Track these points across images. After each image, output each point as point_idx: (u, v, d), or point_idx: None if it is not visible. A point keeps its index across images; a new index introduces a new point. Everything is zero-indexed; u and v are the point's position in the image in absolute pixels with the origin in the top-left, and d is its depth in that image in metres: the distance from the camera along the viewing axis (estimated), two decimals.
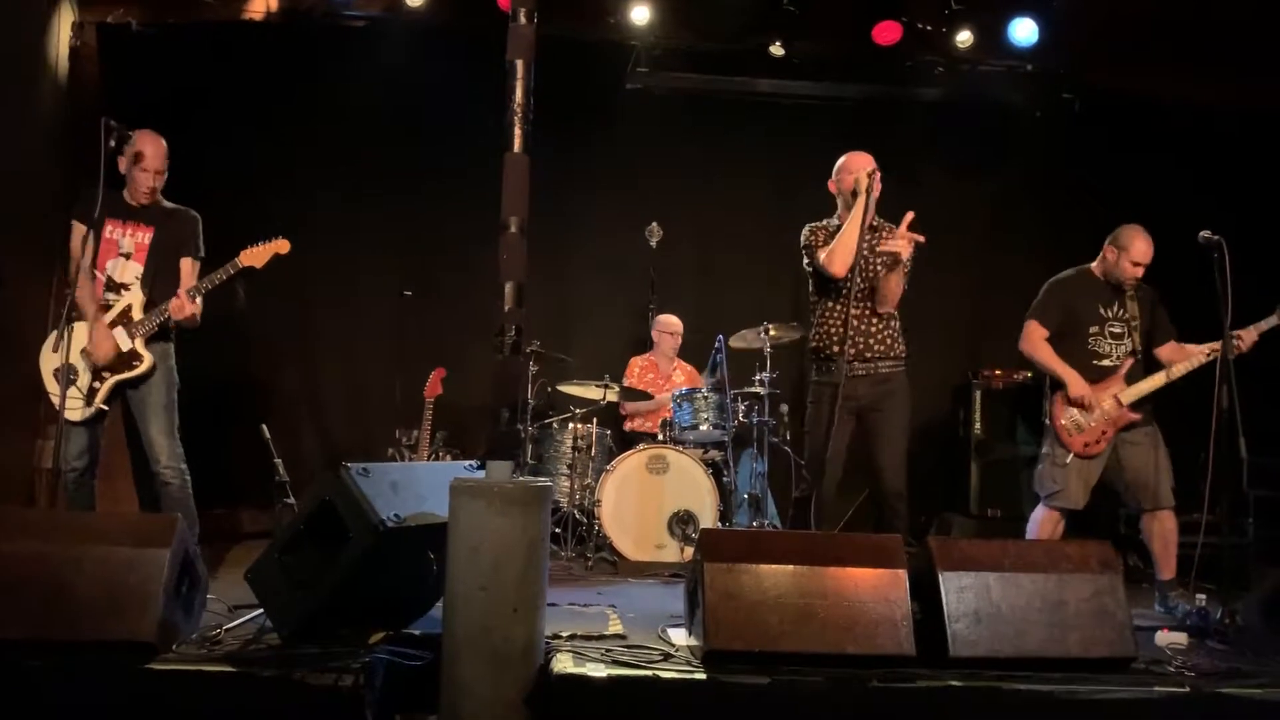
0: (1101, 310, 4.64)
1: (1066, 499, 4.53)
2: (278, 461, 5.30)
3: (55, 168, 5.88)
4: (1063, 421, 4.57)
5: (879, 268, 4.31)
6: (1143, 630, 3.47)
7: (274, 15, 6.38)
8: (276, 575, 3.21)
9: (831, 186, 4.48)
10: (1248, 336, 4.47)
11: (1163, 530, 4.51)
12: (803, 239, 4.47)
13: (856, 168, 4.30)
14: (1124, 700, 3.00)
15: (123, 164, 4.24)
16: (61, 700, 2.82)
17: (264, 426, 5.32)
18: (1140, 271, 4.58)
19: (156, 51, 6.24)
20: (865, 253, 4.22)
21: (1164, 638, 3.67)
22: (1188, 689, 3.07)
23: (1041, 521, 4.60)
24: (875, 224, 4.38)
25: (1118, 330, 4.62)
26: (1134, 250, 4.55)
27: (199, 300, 4.23)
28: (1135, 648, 3.20)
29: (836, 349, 4.29)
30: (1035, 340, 4.67)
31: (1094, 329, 4.63)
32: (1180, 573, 4.51)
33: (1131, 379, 4.56)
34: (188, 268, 4.33)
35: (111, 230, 4.25)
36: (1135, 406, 4.53)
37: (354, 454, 5.96)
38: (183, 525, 3.15)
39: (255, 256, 4.23)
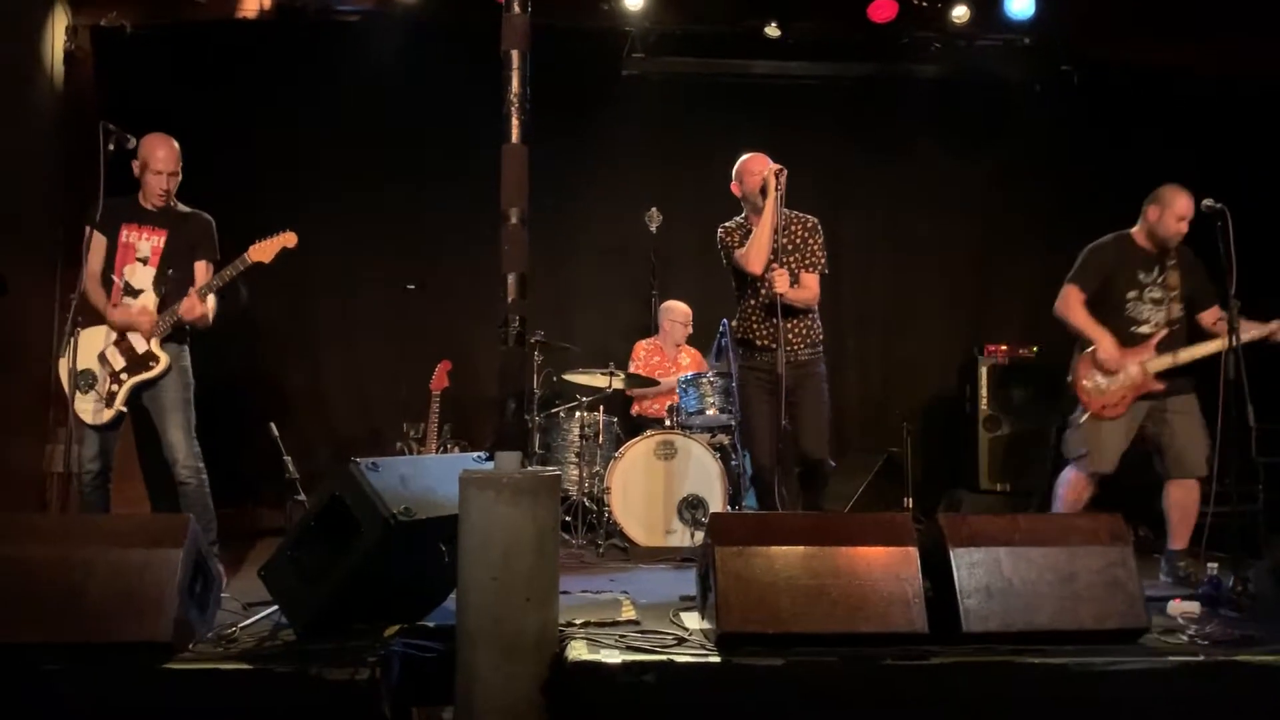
0: (1141, 276, 4.59)
1: (1093, 462, 4.51)
2: (287, 459, 5.32)
3: (54, 172, 5.89)
4: (1084, 382, 4.55)
5: (793, 265, 4.53)
6: (1155, 601, 3.47)
7: (267, 13, 6.37)
8: (289, 572, 3.22)
9: (735, 189, 4.65)
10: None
11: (1183, 500, 4.50)
12: (718, 240, 4.68)
13: (758, 169, 4.49)
14: (1138, 670, 3.00)
15: (136, 168, 4.25)
16: (81, 702, 2.83)
17: (272, 425, 5.34)
18: (1185, 227, 4.51)
19: (151, 53, 6.25)
20: (783, 246, 4.45)
21: (1176, 607, 3.66)
22: (1201, 657, 3.07)
23: (1070, 482, 4.60)
24: (794, 216, 4.60)
25: (1157, 296, 4.58)
26: (1178, 205, 4.50)
27: (211, 300, 4.25)
28: (1148, 618, 3.20)
29: (758, 340, 4.57)
30: (1072, 303, 4.63)
31: (1132, 294, 4.59)
32: (1190, 542, 4.51)
33: (1164, 349, 4.52)
34: (202, 270, 4.32)
35: (128, 235, 4.26)
36: (1171, 375, 4.49)
37: (362, 448, 6.00)
38: (194, 525, 3.16)
39: (263, 251, 4.23)
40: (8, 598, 2.94)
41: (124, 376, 4.17)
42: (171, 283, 4.24)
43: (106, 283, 4.26)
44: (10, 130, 5.57)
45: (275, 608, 3.34)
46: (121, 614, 2.93)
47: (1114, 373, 4.49)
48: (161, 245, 4.28)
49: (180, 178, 4.33)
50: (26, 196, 5.69)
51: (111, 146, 3.94)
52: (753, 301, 4.60)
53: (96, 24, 6.24)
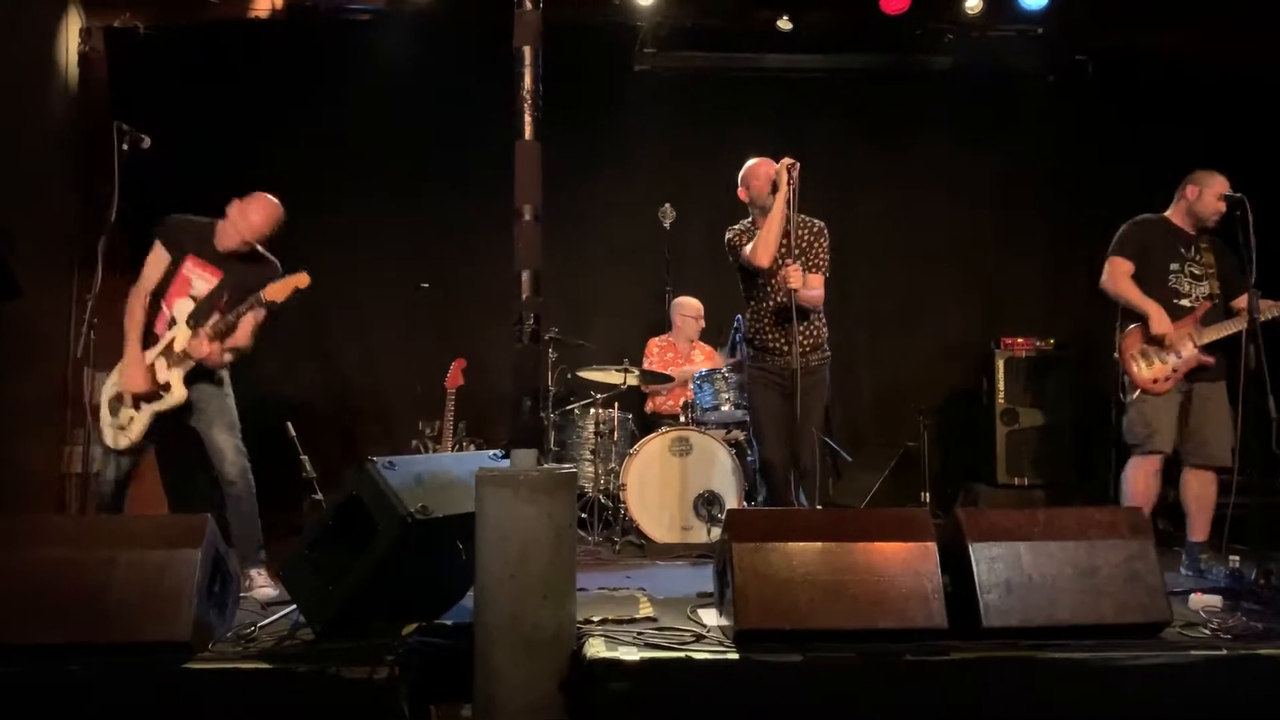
0: (1181, 251, 4.57)
1: (1160, 441, 4.42)
2: (304, 458, 5.33)
3: (69, 173, 5.93)
4: (1133, 357, 4.49)
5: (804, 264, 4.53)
6: (1176, 595, 3.45)
7: (279, 13, 6.39)
8: (307, 571, 3.23)
9: (741, 195, 4.63)
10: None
11: (1201, 489, 4.46)
12: (725, 242, 4.70)
13: (764, 173, 4.48)
14: (1160, 665, 2.98)
15: (232, 209, 4.19)
16: (103, 702, 2.85)
17: (289, 424, 5.35)
18: (1224, 206, 4.48)
19: (164, 54, 6.27)
20: (799, 246, 4.47)
21: (1198, 600, 3.64)
22: (1224, 651, 3.04)
23: (1134, 477, 4.49)
24: (803, 219, 4.57)
25: (1198, 272, 4.54)
26: (1218, 183, 4.50)
27: (247, 334, 4.20)
28: (1169, 612, 3.18)
29: (770, 343, 4.60)
30: (1119, 275, 4.57)
31: (1174, 266, 4.55)
32: (1212, 534, 4.47)
33: (1207, 322, 4.47)
34: (255, 319, 4.22)
35: (190, 268, 4.21)
36: (1211, 354, 4.45)
37: (378, 447, 6.01)
38: (212, 525, 3.17)
39: (277, 291, 4.13)
40: (30, 598, 2.96)
41: (141, 404, 4.15)
42: (224, 322, 4.16)
43: (154, 305, 4.20)
44: (25, 131, 5.61)
45: (293, 607, 3.35)
46: (141, 614, 2.95)
47: (1165, 346, 4.43)
48: (215, 286, 4.21)
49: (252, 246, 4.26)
50: (42, 197, 5.72)
51: (125, 146, 3.94)
52: (764, 305, 4.60)
53: (110, 25, 6.27)
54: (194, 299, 4.20)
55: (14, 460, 5.45)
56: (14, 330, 5.34)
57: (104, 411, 4.16)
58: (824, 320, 4.65)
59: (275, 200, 4.24)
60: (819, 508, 4.43)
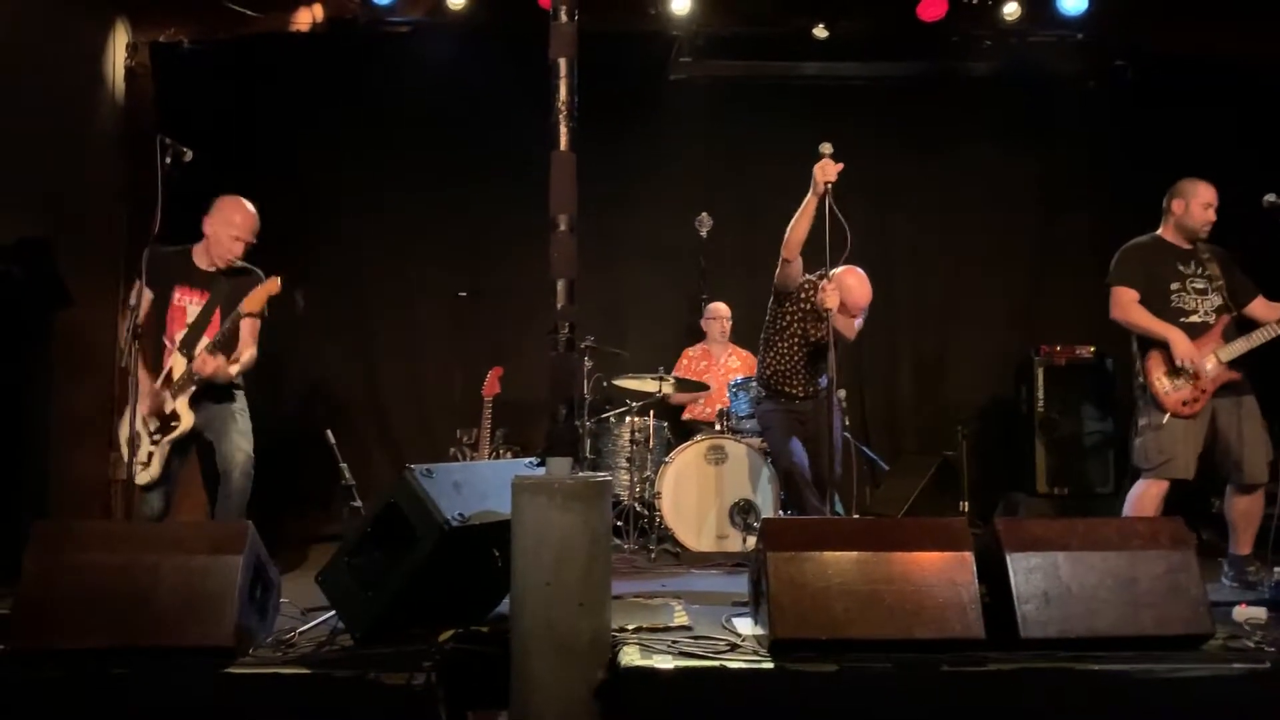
0: (1181, 268, 4.51)
1: (1175, 468, 4.33)
2: (343, 466, 5.39)
3: (117, 185, 6.05)
4: (1159, 381, 4.40)
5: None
6: (1220, 606, 3.40)
7: (319, 26, 6.47)
8: (346, 578, 3.27)
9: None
10: None
11: (1249, 507, 4.38)
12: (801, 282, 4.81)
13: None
14: (1202, 678, 2.94)
15: (208, 225, 4.30)
16: (146, 704, 2.90)
17: (328, 432, 5.41)
18: (1213, 214, 4.45)
19: (208, 68, 6.38)
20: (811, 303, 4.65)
21: (1242, 612, 3.58)
22: (1268, 664, 3.00)
23: (1141, 496, 4.39)
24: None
25: (1201, 286, 4.48)
26: (1201, 193, 4.45)
27: (250, 353, 4.28)
28: (1212, 624, 3.13)
29: (797, 390, 4.87)
30: (1127, 304, 4.51)
31: (1175, 285, 4.49)
32: (1255, 545, 4.40)
33: (1228, 337, 4.41)
34: (248, 327, 4.30)
35: (180, 298, 4.30)
36: (1236, 369, 4.39)
37: (417, 454, 6.06)
38: (254, 532, 3.22)
39: (253, 303, 4.19)
40: (78, 602, 3.02)
41: (157, 438, 4.22)
42: (221, 340, 4.23)
43: (159, 343, 4.28)
44: (75, 144, 5.74)
45: (332, 613, 3.39)
46: (184, 619, 3.01)
47: (1189, 368, 4.37)
48: (205, 306, 4.30)
49: (254, 244, 4.36)
50: (91, 209, 5.85)
51: (169, 159, 4.01)
52: (798, 347, 4.78)
53: (155, 40, 6.39)
54: (189, 326, 4.28)
55: (65, 467, 5.56)
56: (64, 340, 5.47)
57: (124, 451, 4.19)
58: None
59: (239, 196, 4.33)
60: (855, 516, 4.43)
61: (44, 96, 5.37)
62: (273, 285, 4.22)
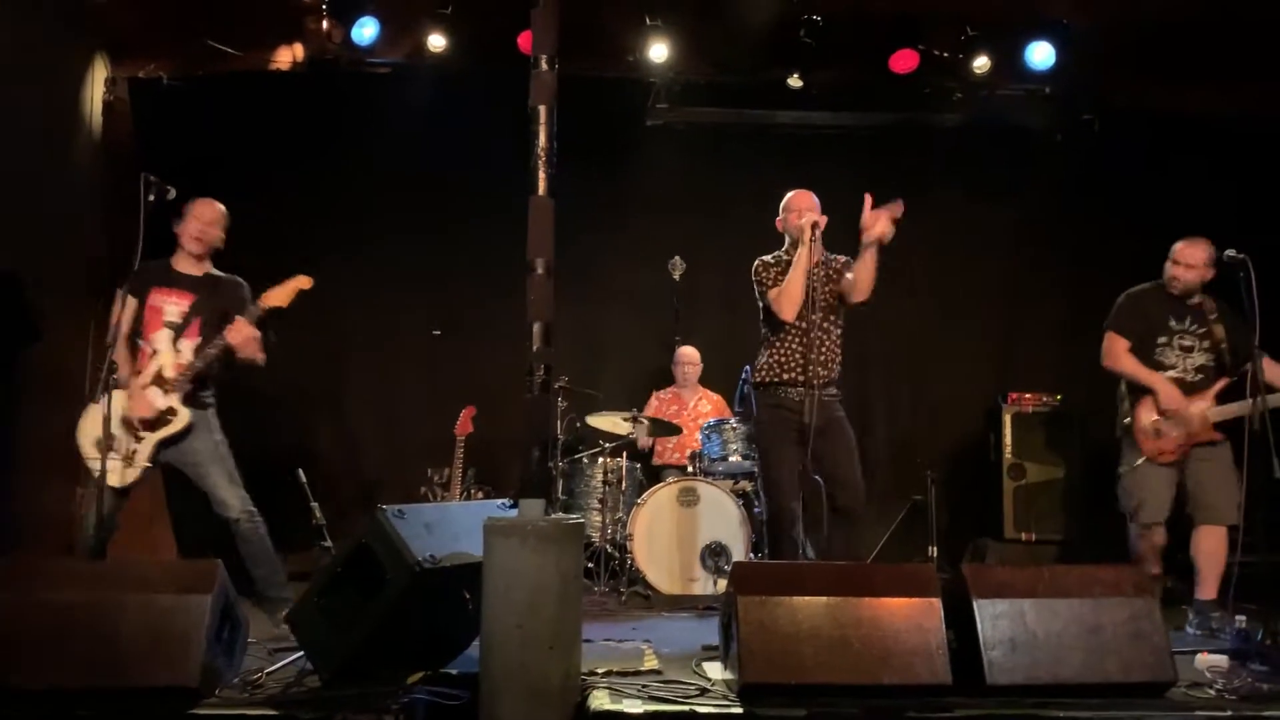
0: (1172, 323, 4.64)
1: (1149, 512, 4.50)
2: (314, 505, 5.36)
3: (93, 219, 6.04)
4: (1144, 426, 4.54)
5: (832, 300, 4.59)
6: (1182, 654, 3.44)
7: (300, 65, 6.53)
8: (316, 618, 3.25)
9: (779, 225, 4.68)
10: None
11: (1213, 548, 4.47)
12: (753, 271, 4.65)
13: (799, 206, 4.55)
14: None
15: (183, 230, 4.37)
16: None
17: (300, 471, 5.38)
18: (1183, 271, 4.58)
19: (187, 105, 6.40)
20: (816, 287, 4.47)
21: (1204, 660, 3.63)
22: (1229, 713, 3.03)
23: (1136, 545, 4.56)
24: (824, 259, 4.59)
25: (1188, 344, 4.60)
26: (1174, 251, 4.61)
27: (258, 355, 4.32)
28: (1174, 671, 3.17)
29: (785, 373, 4.51)
30: (1118, 353, 4.67)
31: (1161, 339, 4.62)
32: (1219, 593, 4.46)
33: (1224, 400, 4.52)
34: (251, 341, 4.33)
35: (156, 298, 4.33)
36: (1218, 431, 4.51)
37: (388, 493, 6.03)
38: (223, 571, 3.20)
39: (278, 296, 4.27)
40: (40, 641, 2.98)
41: (145, 434, 4.22)
42: (201, 346, 4.27)
43: (134, 346, 4.31)
44: (52, 178, 5.74)
45: (301, 653, 3.36)
46: (150, 658, 2.97)
47: (1177, 420, 4.47)
48: (187, 308, 4.33)
49: (222, 238, 4.44)
50: (67, 243, 5.83)
51: (152, 198, 4.03)
52: (794, 344, 4.53)
53: (134, 76, 6.41)
54: (170, 325, 4.30)
55: (30, 501, 5.49)
56: (40, 372, 5.44)
57: (90, 452, 4.17)
58: (840, 351, 4.61)
59: (208, 199, 4.42)
60: (823, 561, 4.40)
61: (20, 128, 5.37)
62: (302, 281, 4.29)
